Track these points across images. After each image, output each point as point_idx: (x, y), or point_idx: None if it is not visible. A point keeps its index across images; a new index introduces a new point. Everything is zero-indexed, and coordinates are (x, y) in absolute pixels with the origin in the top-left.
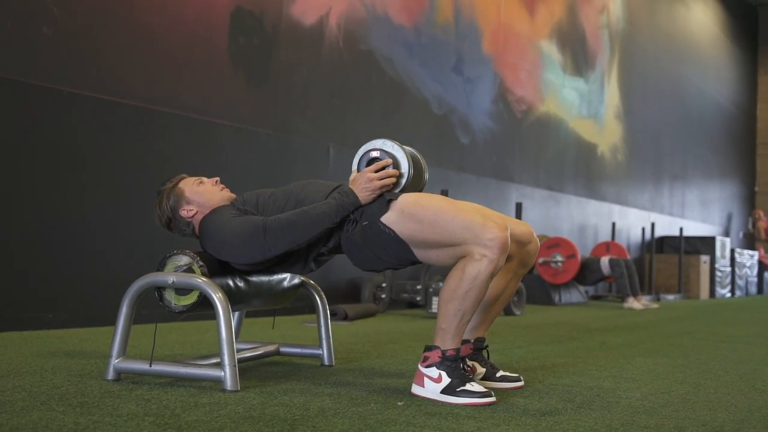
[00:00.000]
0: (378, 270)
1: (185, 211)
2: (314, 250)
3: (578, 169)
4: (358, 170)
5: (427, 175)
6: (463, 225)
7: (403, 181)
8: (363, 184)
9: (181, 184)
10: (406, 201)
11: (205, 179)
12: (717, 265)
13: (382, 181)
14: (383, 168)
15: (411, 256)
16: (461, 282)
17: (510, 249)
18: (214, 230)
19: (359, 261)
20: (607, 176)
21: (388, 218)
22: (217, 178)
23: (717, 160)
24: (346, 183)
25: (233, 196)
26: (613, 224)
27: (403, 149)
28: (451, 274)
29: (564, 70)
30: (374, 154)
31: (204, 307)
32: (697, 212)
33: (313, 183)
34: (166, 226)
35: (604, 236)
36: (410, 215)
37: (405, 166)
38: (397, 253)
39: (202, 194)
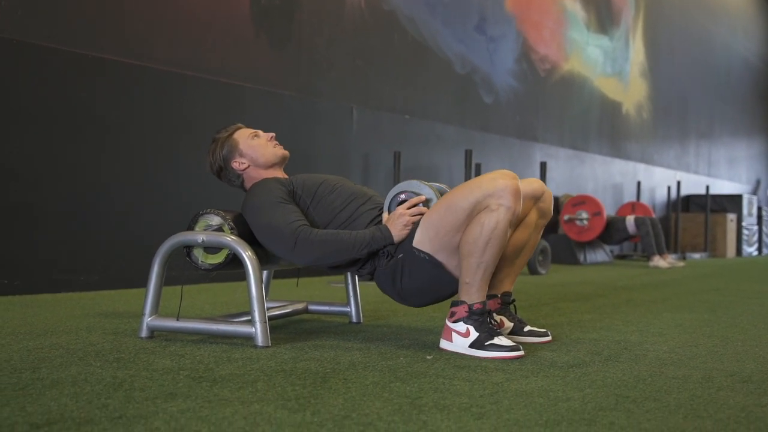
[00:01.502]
0: (405, 304)
1: (237, 164)
2: (342, 270)
3: (603, 128)
4: (389, 211)
5: None
6: (472, 189)
7: None
8: (396, 220)
9: (237, 135)
10: (424, 217)
11: (261, 133)
12: (744, 223)
13: (415, 217)
14: (415, 205)
15: (447, 278)
16: (481, 234)
17: (525, 205)
18: (255, 206)
19: (389, 293)
20: (632, 135)
21: (417, 239)
22: (273, 134)
23: (744, 117)
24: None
25: (287, 154)
26: (639, 183)
27: (430, 186)
28: (469, 227)
29: (588, 28)
30: (402, 197)
31: (232, 266)
32: (723, 170)
33: (372, 201)
34: (217, 174)
35: (630, 196)
36: (429, 220)
37: (434, 201)
38: (429, 283)
39: (256, 149)
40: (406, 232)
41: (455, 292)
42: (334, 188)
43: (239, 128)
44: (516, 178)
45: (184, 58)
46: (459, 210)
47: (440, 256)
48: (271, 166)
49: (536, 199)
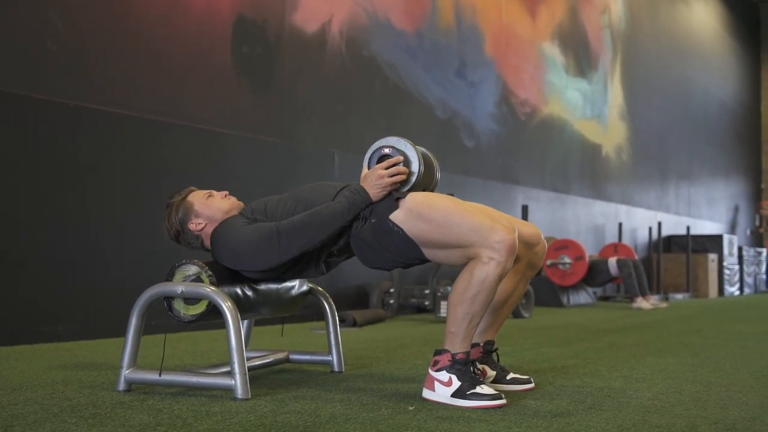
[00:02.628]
0: (386, 268)
1: (194, 225)
2: (325, 251)
3: (584, 170)
4: (369, 167)
5: (438, 175)
6: (470, 227)
7: (413, 179)
8: (374, 180)
9: (190, 197)
10: (414, 200)
11: (214, 192)
12: (725, 263)
13: (393, 178)
14: (393, 165)
15: (420, 255)
16: (469, 285)
17: (518, 251)
18: (226, 240)
19: (367, 259)
20: (612, 177)
21: (397, 216)
22: (226, 192)
23: (722, 157)
24: (354, 183)
25: (242, 204)
26: (620, 224)
27: (416, 148)
28: (459, 277)
29: (567, 72)
30: (386, 150)
31: (213, 316)
32: (704, 210)
33: (321, 185)
34: (175, 239)
35: (612, 237)
36: (418, 215)
37: (416, 165)
38: (406, 252)
39: (211, 207)
40: (383, 193)
41: (421, 260)
42: (280, 199)
43: (192, 191)
44: (514, 232)
45: (165, 106)
46: (451, 234)
47: (413, 237)
48: (227, 213)
49: (530, 246)
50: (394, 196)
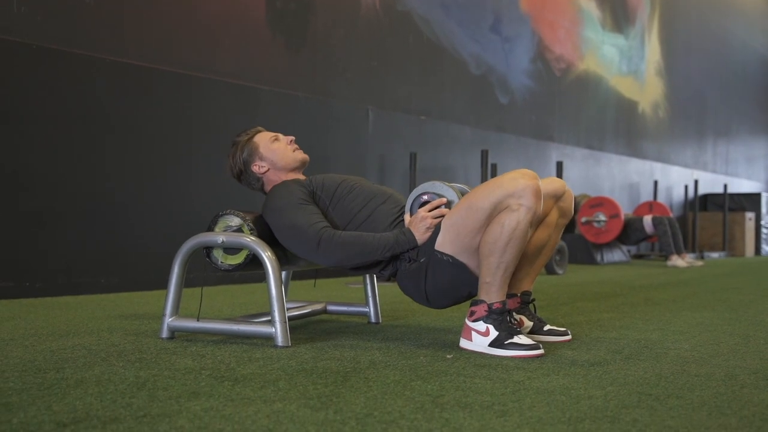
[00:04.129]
0: (427, 305)
1: (257, 167)
2: (363, 272)
3: (619, 127)
4: (411, 214)
5: None
6: (492, 189)
7: None
8: (418, 223)
9: (257, 138)
10: (443, 220)
11: (281, 136)
12: (763, 222)
13: (436, 219)
14: (437, 207)
15: (468, 278)
16: (501, 234)
17: (546, 204)
18: (277, 207)
19: (412, 295)
20: (648, 134)
21: (439, 242)
22: (293, 138)
23: (763, 115)
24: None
25: (306, 158)
26: (656, 182)
27: (452, 187)
28: (489, 227)
29: (603, 27)
30: (425, 198)
31: (252, 266)
32: (742, 168)
33: (392, 199)
34: (237, 177)
35: (647, 195)
36: (450, 222)
37: (456, 202)
38: (452, 284)
39: (276, 152)
40: (428, 234)
41: (474, 290)
42: (353, 188)
43: (259, 131)
44: (537, 178)
45: (199, 61)
46: (480, 210)
47: (463, 258)
48: (292, 170)
49: (557, 198)
50: (436, 235)
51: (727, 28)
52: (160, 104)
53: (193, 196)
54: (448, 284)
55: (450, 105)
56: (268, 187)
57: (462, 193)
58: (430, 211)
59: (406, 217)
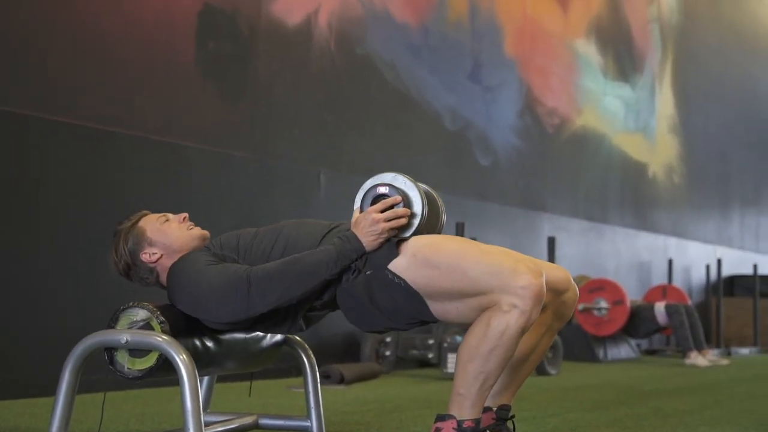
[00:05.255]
0: (380, 331)
1: (147, 255)
2: (305, 305)
3: (625, 194)
4: (362, 209)
5: (444, 217)
6: (488, 269)
7: (416, 222)
8: (367, 227)
9: (142, 223)
10: (418, 244)
11: (170, 216)
12: None
13: (391, 222)
14: (391, 207)
15: (424, 312)
16: (485, 338)
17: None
18: (185, 282)
19: (358, 319)
20: (661, 203)
21: (398, 265)
22: (185, 215)
23: None
24: (345, 223)
25: (206, 233)
26: (670, 261)
27: (417, 186)
28: (473, 327)
29: (605, 75)
30: (382, 190)
31: (165, 371)
32: None
33: (306, 223)
34: (125, 273)
35: (660, 277)
36: (424, 260)
37: (418, 206)
38: (407, 308)
39: (167, 234)
40: (379, 242)
41: (422, 321)
42: (256, 233)
43: (144, 215)
44: (541, 276)
45: (116, 114)
46: (465, 279)
47: (418, 289)
48: (189, 250)
49: (557, 292)
50: (393, 242)
51: (755, 75)
52: (62, 164)
53: (96, 279)
54: (403, 306)
55: (420, 167)
56: (164, 276)
57: (428, 197)
58: (383, 211)
59: (355, 212)
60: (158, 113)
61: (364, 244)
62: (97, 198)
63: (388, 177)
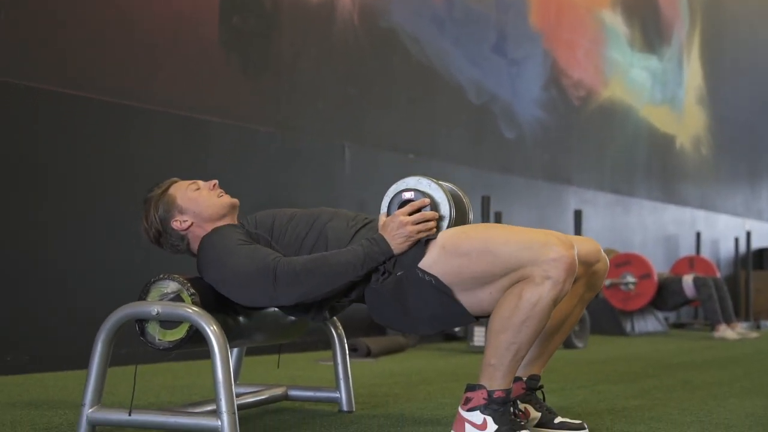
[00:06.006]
0: (411, 332)
1: (178, 223)
2: (330, 301)
3: (652, 167)
4: (388, 213)
5: (471, 215)
6: (519, 246)
7: (444, 225)
8: (395, 230)
9: (172, 190)
10: (446, 235)
11: (201, 183)
12: None
13: (419, 226)
14: (419, 210)
15: (456, 309)
16: (517, 309)
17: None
18: (214, 258)
19: (388, 319)
20: (688, 175)
21: (427, 261)
22: (215, 182)
23: None
24: (375, 219)
25: (236, 201)
26: (698, 234)
27: (442, 187)
28: (504, 299)
29: (632, 46)
30: (407, 195)
31: (195, 343)
32: None
33: (340, 215)
34: (155, 240)
35: (687, 250)
36: (453, 250)
37: (445, 207)
38: (437, 309)
39: (198, 201)
40: (407, 245)
41: (465, 322)
42: (293, 215)
43: (174, 182)
44: (573, 248)
45: (139, 89)
46: (497, 262)
47: (453, 288)
48: (220, 218)
49: (588, 265)
50: (423, 241)
51: None
52: (86, 140)
53: (125, 254)
54: (434, 308)
55: (444, 141)
56: (195, 245)
57: (454, 197)
58: (410, 214)
59: (382, 217)
60: (182, 88)
61: (393, 247)
62: (123, 172)
63: (412, 181)
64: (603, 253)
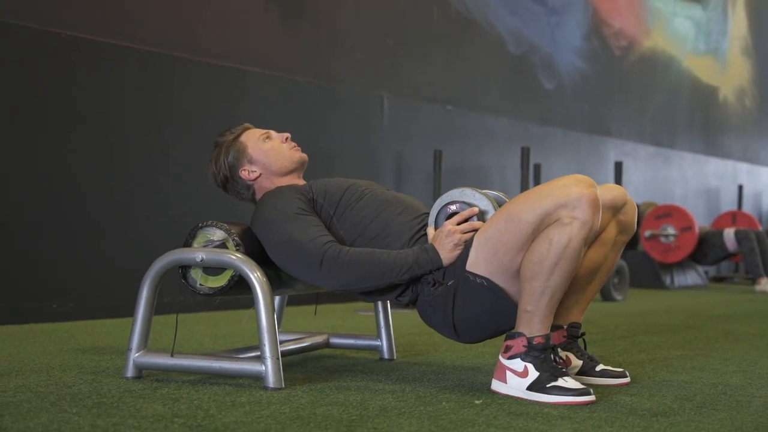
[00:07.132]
0: (457, 340)
1: (246, 172)
2: (382, 294)
3: (694, 119)
4: (435, 227)
5: None
6: (540, 198)
7: None
8: (444, 238)
9: (244, 138)
10: (477, 234)
11: (273, 134)
12: None
13: (467, 234)
14: (467, 219)
15: (508, 306)
16: (549, 252)
17: (603, 217)
18: (269, 220)
19: (437, 326)
20: (731, 127)
21: (472, 261)
22: (287, 135)
23: None
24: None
25: (305, 158)
26: (740, 187)
27: (486, 196)
28: (534, 244)
29: None
30: (453, 208)
31: (237, 290)
32: None
33: (409, 209)
34: (222, 185)
35: (729, 204)
36: (486, 237)
37: (491, 215)
38: (488, 312)
39: (268, 153)
40: (456, 253)
41: (500, 332)
42: (362, 195)
43: (247, 129)
44: (594, 186)
45: (177, 39)
46: (523, 223)
47: (500, 280)
48: (288, 173)
49: (616, 210)
50: (468, 248)
51: None
52: (128, 90)
53: (167, 202)
54: (481, 313)
55: (483, 92)
56: (260, 195)
57: (499, 203)
58: (458, 224)
59: (430, 230)
60: (221, 39)
61: (442, 256)
62: (161, 124)
63: (456, 193)
64: (629, 196)
